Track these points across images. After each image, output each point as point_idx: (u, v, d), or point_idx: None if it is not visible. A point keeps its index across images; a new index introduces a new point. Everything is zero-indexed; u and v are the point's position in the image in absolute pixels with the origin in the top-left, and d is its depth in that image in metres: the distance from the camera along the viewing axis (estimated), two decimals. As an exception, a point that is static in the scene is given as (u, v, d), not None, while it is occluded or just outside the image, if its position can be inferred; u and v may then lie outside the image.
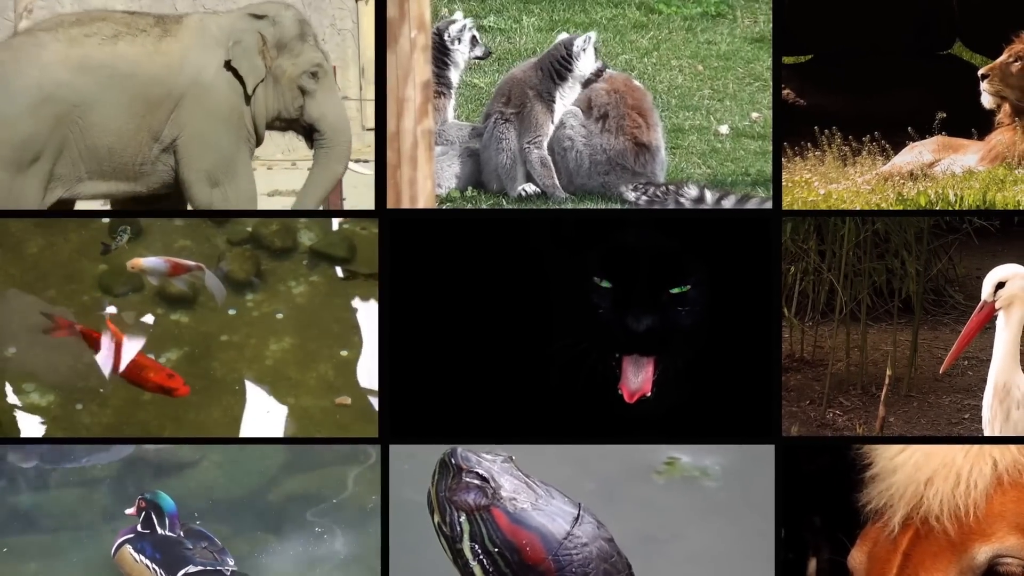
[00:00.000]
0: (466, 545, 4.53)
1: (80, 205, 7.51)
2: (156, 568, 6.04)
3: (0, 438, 6.57)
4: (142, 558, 6.06)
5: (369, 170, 8.35)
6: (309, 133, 7.64)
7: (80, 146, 7.24)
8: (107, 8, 7.95)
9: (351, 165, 7.93)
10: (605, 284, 5.22)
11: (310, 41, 7.57)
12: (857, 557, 4.26)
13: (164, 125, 7.31)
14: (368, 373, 6.79)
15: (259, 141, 7.62)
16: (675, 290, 5.22)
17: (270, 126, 7.61)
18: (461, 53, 8.51)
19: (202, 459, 6.63)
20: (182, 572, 6.01)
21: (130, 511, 6.15)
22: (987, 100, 7.66)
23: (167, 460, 6.62)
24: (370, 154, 7.54)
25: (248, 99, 7.44)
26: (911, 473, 4.17)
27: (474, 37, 8.57)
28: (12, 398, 6.68)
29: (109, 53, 7.29)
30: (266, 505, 6.47)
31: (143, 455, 6.63)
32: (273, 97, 7.50)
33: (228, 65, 7.38)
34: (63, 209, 7.38)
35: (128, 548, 6.10)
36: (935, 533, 4.08)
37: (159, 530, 6.11)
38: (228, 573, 6.05)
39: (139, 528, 6.13)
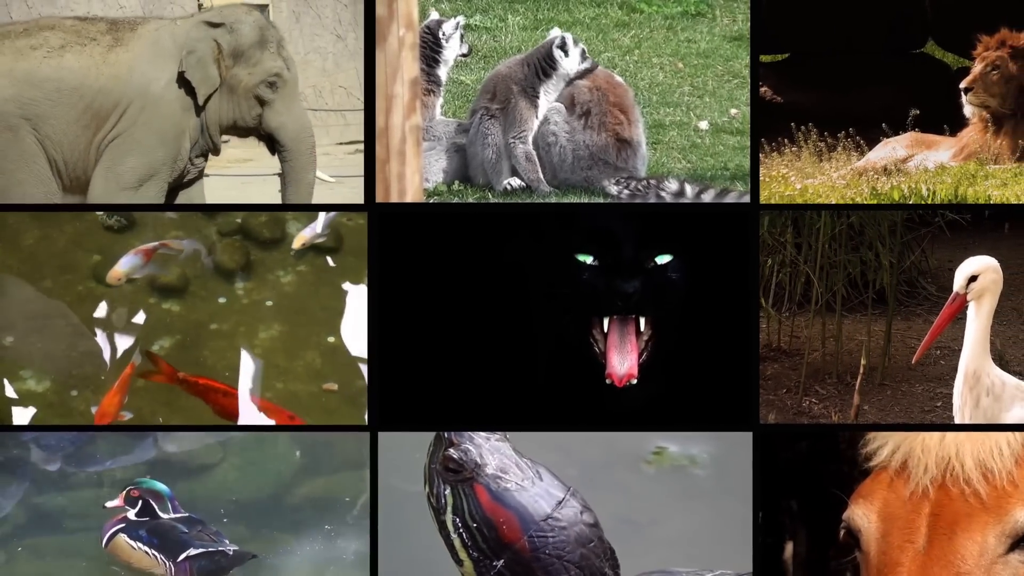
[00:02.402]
0: (448, 518, 4.59)
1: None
2: (156, 554, 6.02)
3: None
4: (140, 545, 6.04)
5: (333, 179, 8.35)
6: (270, 142, 7.45)
7: (47, 156, 7.15)
8: (60, 15, 7.73)
9: (319, 173, 7.73)
10: (588, 261, 5.32)
11: (271, 49, 7.32)
12: (864, 516, 4.14)
13: (110, 133, 7.17)
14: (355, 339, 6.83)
15: (215, 150, 7.44)
16: (660, 260, 5.34)
17: (227, 132, 7.42)
18: (452, 50, 8.50)
19: (221, 461, 6.62)
20: (184, 555, 6.01)
21: (114, 503, 6.12)
22: (969, 111, 7.77)
23: (187, 462, 6.61)
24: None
25: (200, 109, 7.22)
26: (938, 436, 4.10)
27: (462, 35, 8.57)
28: (8, 385, 6.70)
29: (55, 66, 7.11)
30: (283, 506, 6.46)
31: (164, 457, 6.61)
32: (228, 107, 7.29)
33: (182, 77, 7.18)
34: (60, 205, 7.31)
35: (123, 537, 6.07)
36: (965, 495, 4.01)
37: (162, 515, 6.09)
38: (231, 553, 6.04)
39: (133, 516, 6.10)
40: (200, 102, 7.25)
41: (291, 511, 6.43)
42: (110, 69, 7.15)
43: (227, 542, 6.07)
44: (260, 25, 7.35)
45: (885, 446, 4.17)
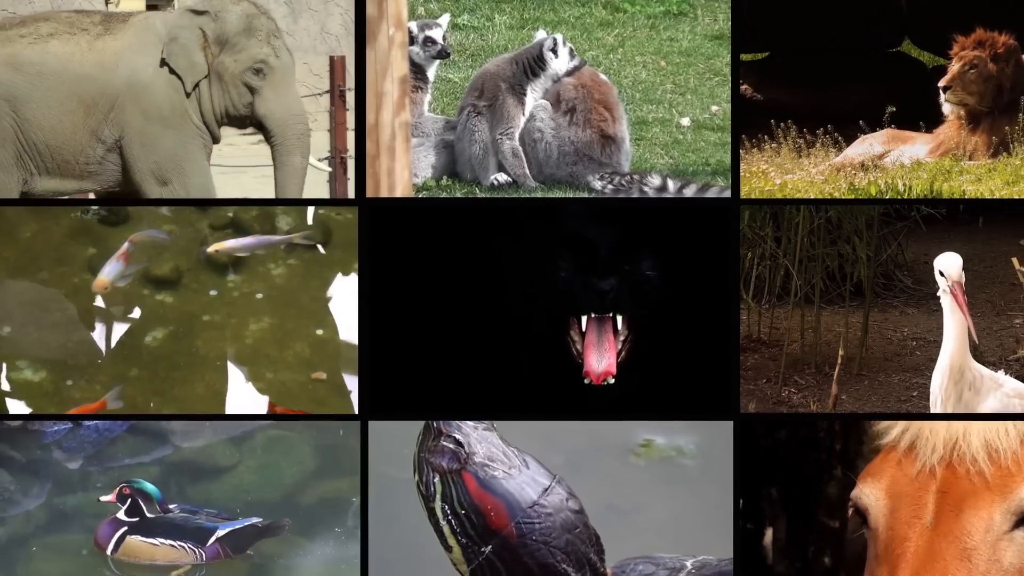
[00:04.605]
0: (437, 505, 4.59)
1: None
2: (183, 544, 6.00)
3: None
4: (162, 540, 6.01)
5: (328, 167, 8.35)
6: (262, 129, 7.45)
7: (22, 139, 7.15)
8: (59, 9, 7.74)
9: (312, 161, 7.66)
10: (567, 264, 5.37)
11: (258, 36, 7.28)
12: (872, 493, 4.11)
13: (103, 125, 7.18)
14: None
15: (214, 139, 7.43)
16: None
17: (225, 123, 7.43)
18: (417, 55, 8.34)
19: (239, 463, 6.61)
20: (213, 538, 6.00)
21: (107, 498, 6.09)
22: (947, 108, 7.82)
23: (205, 463, 6.61)
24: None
25: (187, 96, 7.22)
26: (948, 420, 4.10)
27: (428, 39, 8.40)
28: (5, 376, 6.76)
29: (38, 51, 7.12)
30: (297, 508, 6.43)
31: (183, 457, 6.63)
32: (219, 94, 7.28)
33: (163, 62, 7.19)
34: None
35: (136, 538, 6.03)
36: (971, 474, 4.00)
37: (148, 515, 6.04)
38: (261, 525, 6.06)
39: (125, 517, 6.06)
40: (188, 89, 7.24)
41: (305, 513, 6.40)
42: (95, 56, 7.16)
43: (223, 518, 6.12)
44: (248, 13, 7.32)
45: (895, 427, 4.17)
